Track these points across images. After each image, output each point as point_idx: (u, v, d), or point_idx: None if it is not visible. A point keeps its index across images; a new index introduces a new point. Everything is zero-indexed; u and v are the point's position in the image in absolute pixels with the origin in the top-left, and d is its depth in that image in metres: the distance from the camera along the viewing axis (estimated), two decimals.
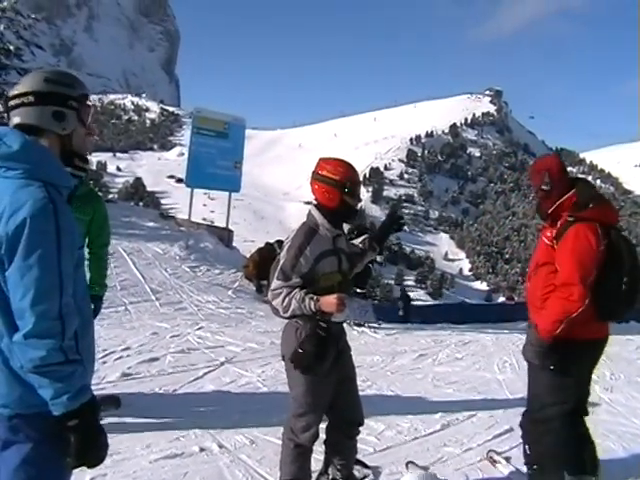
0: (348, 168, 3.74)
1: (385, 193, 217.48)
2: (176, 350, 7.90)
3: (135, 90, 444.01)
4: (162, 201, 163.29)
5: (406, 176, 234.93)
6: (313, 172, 3.79)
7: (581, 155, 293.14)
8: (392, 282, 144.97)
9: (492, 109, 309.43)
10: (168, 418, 5.43)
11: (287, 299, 3.55)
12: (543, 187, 3.95)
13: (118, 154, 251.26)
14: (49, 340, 2.01)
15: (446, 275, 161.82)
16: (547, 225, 4.02)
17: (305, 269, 3.61)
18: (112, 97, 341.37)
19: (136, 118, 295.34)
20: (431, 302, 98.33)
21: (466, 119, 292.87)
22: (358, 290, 12.23)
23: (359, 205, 3.93)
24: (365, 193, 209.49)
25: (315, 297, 3.50)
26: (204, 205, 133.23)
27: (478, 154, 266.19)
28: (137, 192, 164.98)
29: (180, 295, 11.12)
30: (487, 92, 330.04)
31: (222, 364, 7.48)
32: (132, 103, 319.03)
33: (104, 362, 7.08)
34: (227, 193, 15.49)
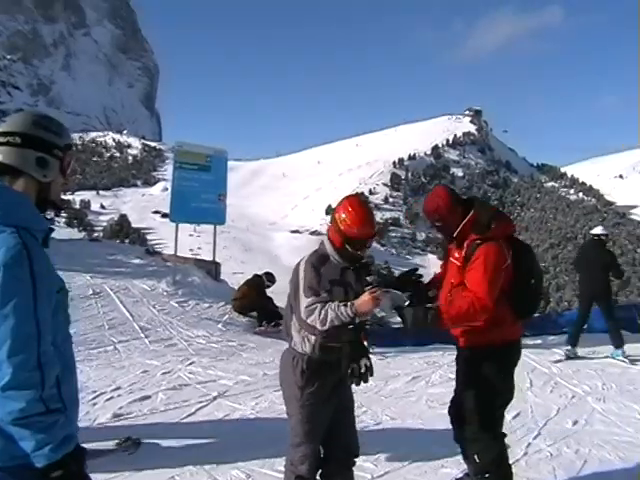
0: (358, 225, 3.79)
1: None
2: (167, 387, 7.83)
3: (116, 127, 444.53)
4: (148, 237, 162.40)
5: (391, 199, 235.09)
6: (334, 209, 3.94)
7: (562, 169, 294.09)
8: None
9: (472, 129, 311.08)
10: (162, 456, 5.40)
11: (323, 312, 3.58)
12: (437, 224, 4.19)
13: (101, 192, 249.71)
14: (28, 391, 1.98)
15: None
16: (453, 246, 4.23)
17: (326, 287, 3.72)
18: (93, 135, 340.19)
19: (118, 155, 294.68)
20: None
21: (447, 140, 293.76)
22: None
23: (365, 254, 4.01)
24: None
25: (349, 303, 3.54)
26: (190, 235, 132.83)
27: (461, 174, 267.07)
28: (122, 229, 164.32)
29: (170, 331, 11.05)
30: (467, 112, 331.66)
31: (215, 399, 7.43)
32: (113, 140, 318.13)
33: (94, 404, 7.00)
34: (212, 226, 15.52)
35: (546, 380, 8.83)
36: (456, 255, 4.16)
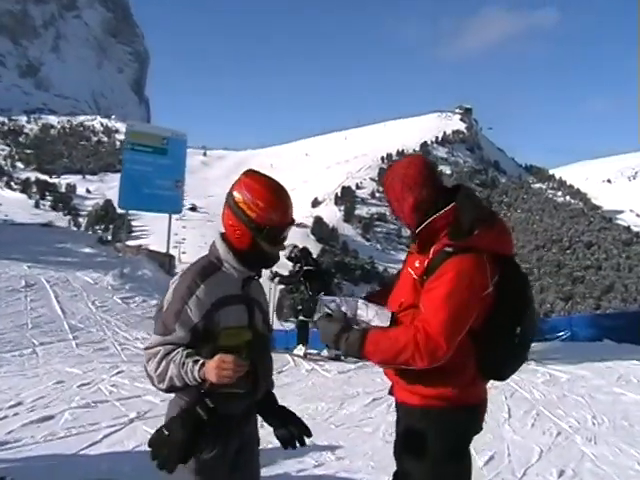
0: (273, 203, 2.59)
1: (357, 212, 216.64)
2: (79, 404, 6.65)
3: (104, 111, 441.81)
4: (133, 223, 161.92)
5: (378, 195, 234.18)
6: (230, 191, 2.63)
7: (550, 171, 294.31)
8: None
9: (462, 127, 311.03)
10: None
11: (164, 363, 2.41)
12: (396, 204, 2.91)
13: (88, 176, 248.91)
14: None
15: None
16: (414, 249, 2.91)
17: (196, 318, 2.47)
18: (81, 119, 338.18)
19: (106, 140, 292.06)
20: None
21: (437, 137, 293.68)
22: (302, 318, 11.21)
23: (284, 251, 2.83)
24: (337, 212, 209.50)
25: (201, 360, 2.38)
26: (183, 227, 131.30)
27: (449, 172, 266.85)
28: (107, 214, 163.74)
29: (104, 332, 9.85)
30: (457, 110, 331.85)
31: (131, 421, 6.24)
32: (101, 124, 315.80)
33: None
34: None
35: (527, 409, 7.57)
36: (416, 264, 2.82)
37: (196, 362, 2.36)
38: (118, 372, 8.02)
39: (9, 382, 7.27)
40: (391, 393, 3.01)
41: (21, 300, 10.58)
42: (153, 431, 5.43)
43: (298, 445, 2.75)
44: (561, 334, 16.65)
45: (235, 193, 2.59)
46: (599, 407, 7.82)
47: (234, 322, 2.58)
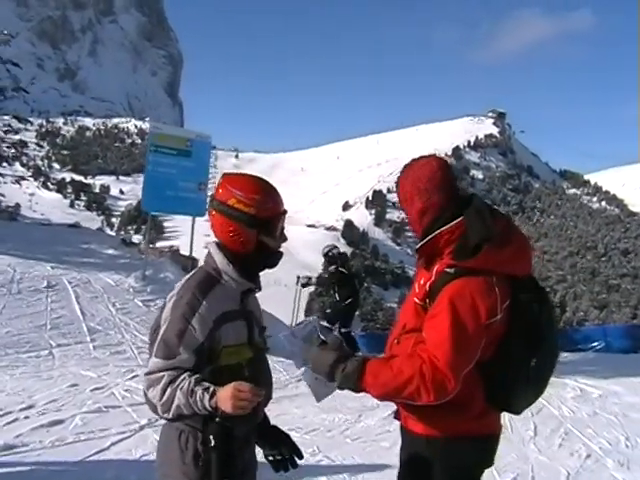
0: (267, 192, 2.45)
1: (388, 216, 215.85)
2: (90, 409, 6.48)
3: (138, 114, 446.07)
4: (164, 224, 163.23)
5: None
6: (213, 199, 2.49)
7: (586, 177, 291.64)
8: (395, 306, 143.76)
9: (495, 131, 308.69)
10: None
11: (169, 390, 2.23)
12: (404, 205, 2.69)
13: (121, 177, 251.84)
14: None
15: None
16: (422, 264, 2.67)
17: (201, 337, 2.31)
18: (116, 121, 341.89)
19: (139, 141, 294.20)
20: None
21: (469, 141, 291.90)
22: (343, 330, 10.92)
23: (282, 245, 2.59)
24: (368, 216, 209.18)
25: (212, 388, 2.19)
26: (206, 235, 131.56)
27: (481, 176, 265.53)
28: (140, 215, 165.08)
29: (122, 335, 9.74)
30: (490, 114, 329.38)
31: (141, 428, 6.07)
32: (135, 127, 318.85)
33: None
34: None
35: (555, 427, 7.27)
36: (421, 282, 2.60)
37: (206, 390, 2.18)
38: (133, 376, 7.90)
39: (24, 384, 7.18)
40: (397, 417, 2.83)
41: (42, 301, 10.56)
42: None
43: (290, 468, 2.56)
44: (595, 344, 16.31)
45: (224, 198, 2.41)
46: (633, 427, 7.47)
47: (234, 339, 2.42)
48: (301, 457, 2.57)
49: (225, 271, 2.43)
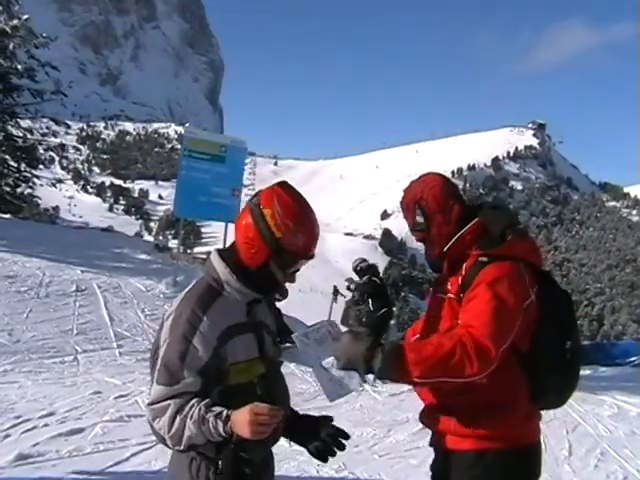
0: (305, 228, 2.21)
1: None
2: (112, 418, 6.31)
3: (179, 119, 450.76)
4: (202, 230, 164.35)
5: None
6: (256, 195, 2.25)
7: (625, 189, 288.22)
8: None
9: (535, 142, 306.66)
10: None
11: (178, 421, 2.03)
12: (417, 226, 2.74)
13: (160, 182, 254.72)
14: None
15: None
16: (445, 274, 2.69)
17: (205, 357, 2.11)
18: (156, 126, 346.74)
19: (179, 147, 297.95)
20: None
21: (508, 152, 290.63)
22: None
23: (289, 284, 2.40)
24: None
25: (225, 412, 1.99)
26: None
27: (520, 187, 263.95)
28: (178, 220, 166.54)
29: (150, 341, 9.55)
30: (530, 125, 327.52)
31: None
32: (175, 132, 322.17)
33: (6, 435, 5.54)
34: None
35: (590, 447, 6.96)
36: (447, 286, 2.61)
37: (219, 416, 1.99)
38: None
39: (46, 390, 7.05)
40: (432, 444, 2.68)
41: (70, 305, 10.47)
42: None
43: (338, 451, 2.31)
44: (633, 359, 15.94)
45: (264, 203, 2.19)
46: None
47: (243, 355, 2.20)
48: (347, 437, 2.32)
49: (227, 281, 2.22)
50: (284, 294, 2.39)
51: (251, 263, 2.20)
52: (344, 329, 2.28)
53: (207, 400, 2.04)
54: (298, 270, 2.31)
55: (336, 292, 11.15)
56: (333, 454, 2.30)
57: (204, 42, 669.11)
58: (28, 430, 5.75)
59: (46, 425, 5.94)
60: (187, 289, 2.30)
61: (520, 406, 2.46)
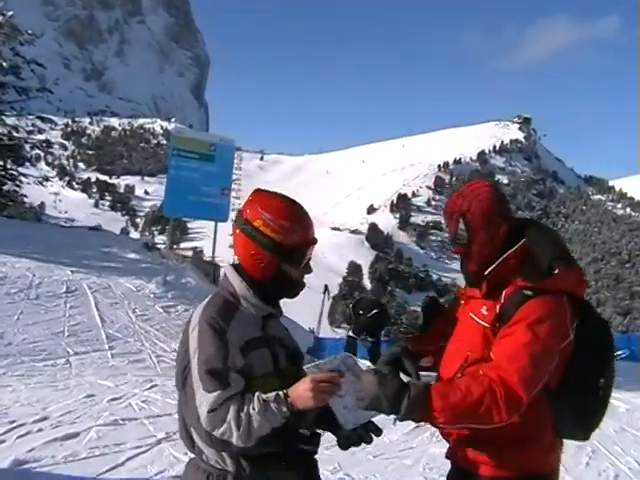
0: (299, 221, 2.25)
1: (412, 220, 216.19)
2: (106, 421, 6.30)
3: (164, 115, 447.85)
4: (189, 225, 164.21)
5: (433, 203, 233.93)
6: (239, 216, 2.27)
7: (610, 182, 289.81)
8: (419, 309, 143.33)
9: (520, 136, 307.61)
10: None
11: (244, 418, 1.99)
12: (457, 239, 2.53)
13: (146, 178, 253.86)
14: None
15: None
16: (478, 295, 2.52)
17: (240, 362, 2.10)
18: (141, 121, 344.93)
19: (165, 142, 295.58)
20: None
21: (494, 146, 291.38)
22: (370, 339, 10.72)
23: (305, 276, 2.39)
24: (392, 220, 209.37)
25: (281, 393, 2.02)
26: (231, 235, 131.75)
27: (506, 181, 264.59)
28: (164, 216, 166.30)
29: (142, 342, 9.58)
30: (515, 119, 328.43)
31: (158, 442, 5.88)
32: (161, 127, 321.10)
33: (2, 441, 5.53)
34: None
35: (581, 444, 7.01)
36: (482, 311, 2.47)
37: (277, 397, 2.00)
38: (151, 386, 7.73)
39: (38, 394, 7.04)
40: (449, 457, 2.62)
41: (60, 307, 10.43)
42: (180, 455, 5.14)
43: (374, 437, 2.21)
44: (619, 353, 16.00)
45: (251, 218, 2.21)
46: None
47: (259, 369, 2.17)
48: (379, 432, 2.21)
49: (244, 296, 2.23)
50: (302, 287, 2.37)
51: (266, 275, 2.22)
52: (359, 363, 2.23)
53: (258, 391, 2.04)
54: (310, 259, 2.33)
55: (326, 290, 11.17)
56: (358, 444, 2.21)
57: (189, 37, 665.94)
58: (22, 435, 5.74)
59: (40, 430, 5.93)
60: (203, 303, 2.28)
61: (544, 437, 2.41)
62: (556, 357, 2.30)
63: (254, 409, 1.98)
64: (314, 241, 2.30)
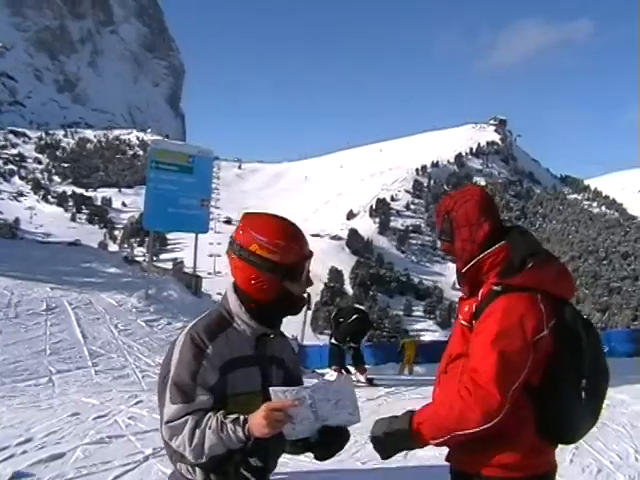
0: (293, 238, 2.26)
1: (392, 224, 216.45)
2: (92, 440, 6.22)
3: (140, 125, 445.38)
4: (168, 236, 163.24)
5: (412, 207, 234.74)
6: (233, 241, 2.29)
7: (586, 182, 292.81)
8: (401, 313, 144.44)
9: (497, 138, 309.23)
10: None
11: (198, 433, 2.03)
12: (441, 236, 2.65)
13: (123, 189, 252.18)
14: None
15: (455, 305, 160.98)
16: (464, 295, 2.63)
17: (214, 379, 2.14)
18: (117, 132, 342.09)
19: (141, 153, 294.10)
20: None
21: (471, 148, 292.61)
22: (352, 345, 10.80)
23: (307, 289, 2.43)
24: (372, 224, 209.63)
25: (242, 417, 2.03)
26: (213, 242, 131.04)
27: (483, 183, 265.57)
28: (142, 227, 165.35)
29: (126, 358, 9.52)
30: (491, 121, 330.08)
31: (146, 459, 5.81)
32: (137, 138, 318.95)
33: None
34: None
35: None
36: (465, 309, 2.55)
37: (236, 421, 2.01)
38: (137, 402, 7.68)
39: (21, 415, 6.94)
40: (449, 459, 2.62)
41: (41, 324, 10.31)
42: (168, 471, 5.09)
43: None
44: None
45: (245, 243, 2.23)
46: None
47: (244, 387, 2.21)
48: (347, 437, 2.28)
49: (237, 314, 2.26)
50: (305, 302, 2.40)
51: (270, 297, 2.24)
52: (328, 393, 2.21)
53: (222, 411, 2.06)
54: (309, 272, 2.34)
55: (308, 298, 11.19)
56: (330, 452, 2.27)
57: (163, 46, 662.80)
58: (6, 459, 5.65)
59: (24, 452, 5.83)
60: (200, 316, 2.32)
61: (524, 437, 2.37)
62: (530, 350, 2.29)
63: (209, 428, 2.02)
64: (311, 254, 2.31)
